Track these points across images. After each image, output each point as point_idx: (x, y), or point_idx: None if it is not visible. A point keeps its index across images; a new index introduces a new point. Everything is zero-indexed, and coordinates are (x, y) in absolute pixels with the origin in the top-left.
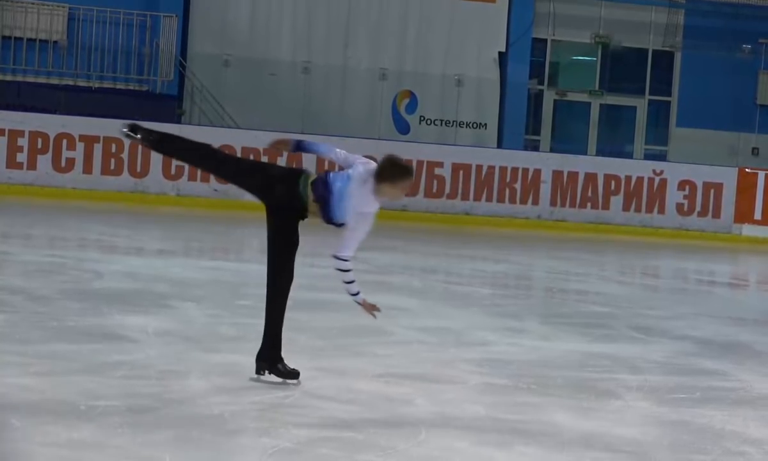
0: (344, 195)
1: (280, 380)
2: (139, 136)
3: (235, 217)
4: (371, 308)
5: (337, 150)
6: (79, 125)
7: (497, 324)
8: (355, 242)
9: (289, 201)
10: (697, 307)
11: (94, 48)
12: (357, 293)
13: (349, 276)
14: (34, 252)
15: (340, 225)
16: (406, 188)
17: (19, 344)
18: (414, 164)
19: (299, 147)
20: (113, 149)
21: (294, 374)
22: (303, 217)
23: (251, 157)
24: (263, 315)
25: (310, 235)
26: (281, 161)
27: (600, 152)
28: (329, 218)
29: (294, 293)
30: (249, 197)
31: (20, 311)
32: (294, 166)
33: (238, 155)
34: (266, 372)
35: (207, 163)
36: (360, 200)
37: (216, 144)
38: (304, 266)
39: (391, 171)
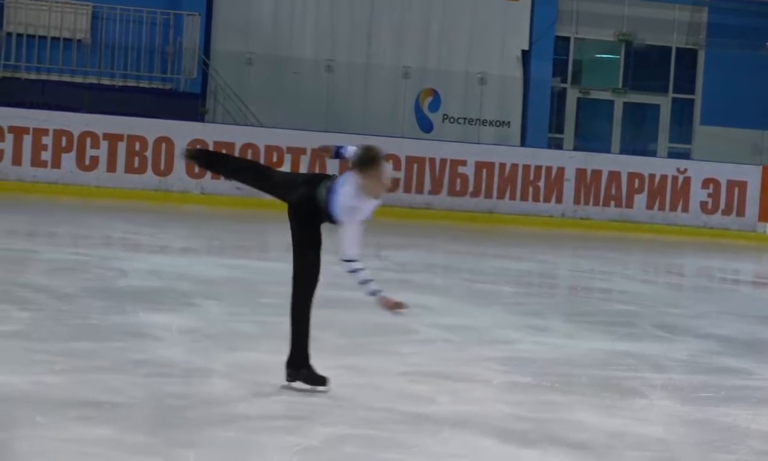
0: (338, 193)
1: (308, 387)
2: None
3: (259, 215)
4: (395, 307)
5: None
6: (102, 123)
7: (521, 323)
8: (353, 238)
9: (306, 204)
10: (721, 305)
11: (118, 46)
12: (375, 292)
13: (361, 275)
14: (58, 250)
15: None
16: (379, 179)
17: (44, 342)
18: (437, 163)
19: (338, 154)
20: (137, 148)
21: (322, 380)
22: (322, 220)
23: (282, 165)
24: (287, 314)
25: (333, 232)
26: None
27: (623, 150)
28: (328, 216)
29: (317, 291)
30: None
31: (44, 309)
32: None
33: (262, 153)
34: (296, 379)
35: (246, 178)
36: (346, 196)
37: (239, 142)
38: (327, 263)
39: (359, 161)
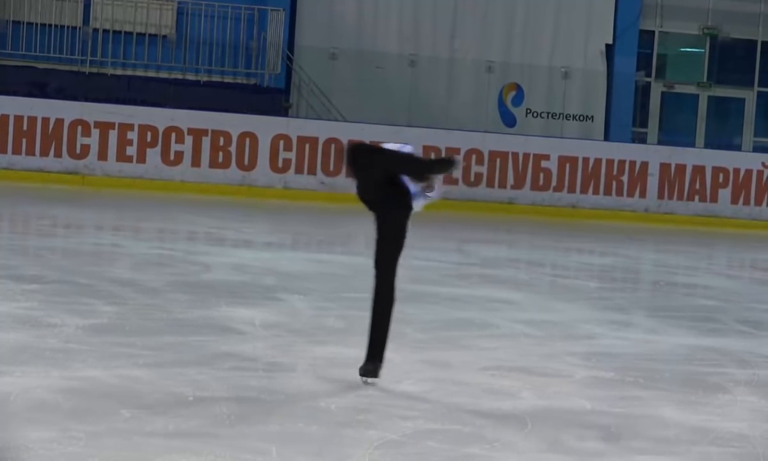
0: None
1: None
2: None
3: (343, 210)
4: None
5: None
6: (187, 118)
7: (604, 318)
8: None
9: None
10: None
11: (203, 42)
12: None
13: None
14: (143, 245)
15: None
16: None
17: (128, 336)
18: (520, 157)
19: None
20: (221, 142)
21: (372, 372)
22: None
23: None
24: (370, 308)
25: (415, 228)
26: None
27: (708, 145)
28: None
29: (400, 285)
30: None
31: (129, 304)
32: None
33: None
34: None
35: None
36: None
37: (323, 137)
38: (408, 258)
39: None
